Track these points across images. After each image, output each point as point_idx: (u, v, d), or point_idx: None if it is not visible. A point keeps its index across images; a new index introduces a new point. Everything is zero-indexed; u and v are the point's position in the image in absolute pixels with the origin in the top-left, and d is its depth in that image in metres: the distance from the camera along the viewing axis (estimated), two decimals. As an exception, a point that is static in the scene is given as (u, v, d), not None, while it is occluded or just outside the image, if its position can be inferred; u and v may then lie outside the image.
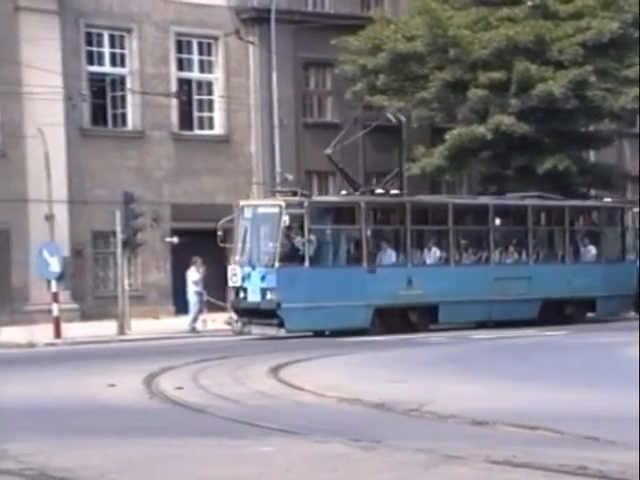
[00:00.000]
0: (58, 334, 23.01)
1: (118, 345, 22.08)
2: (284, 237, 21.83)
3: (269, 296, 21.84)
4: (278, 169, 30.21)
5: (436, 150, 29.98)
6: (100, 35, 29.65)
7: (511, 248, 25.08)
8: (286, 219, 21.59)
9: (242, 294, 22.34)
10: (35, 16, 28.14)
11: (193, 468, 8.05)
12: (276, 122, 30.83)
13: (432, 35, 29.21)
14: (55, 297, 23.56)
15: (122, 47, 29.96)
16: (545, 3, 29.68)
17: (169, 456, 8.61)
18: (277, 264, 21.78)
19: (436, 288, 23.24)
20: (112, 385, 13.71)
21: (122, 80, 29.92)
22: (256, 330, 22.27)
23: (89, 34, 29.42)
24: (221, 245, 23.33)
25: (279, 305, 21.71)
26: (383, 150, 33.75)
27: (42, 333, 22.67)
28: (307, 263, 21.95)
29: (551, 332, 22.39)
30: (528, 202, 25.69)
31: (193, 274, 25.04)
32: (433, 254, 23.95)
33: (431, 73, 29.46)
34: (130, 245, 24.94)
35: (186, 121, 30.86)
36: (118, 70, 29.88)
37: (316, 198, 23.01)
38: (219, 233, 23.23)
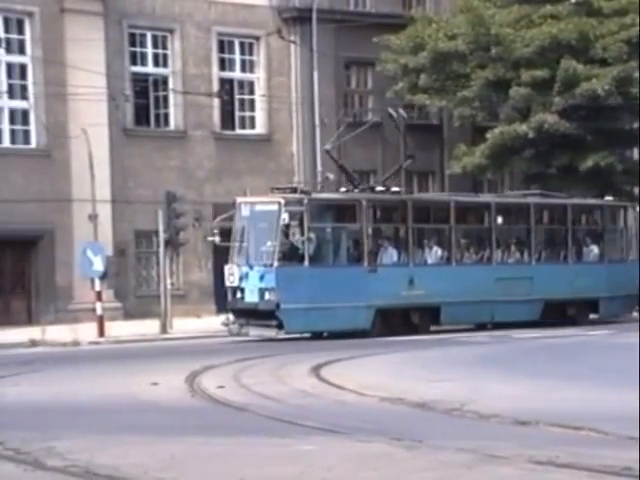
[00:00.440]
0: (102, 333, 23.20)
1: (160, 344, 22.22)
2: (283, 235, 21.25)
3: (268, 296, 21.13)
4: (319, 168, 30.22)
5: (477, 149, 29.87)
6: (143, 36, 29.86)
7: (513, 247, 24.49)
8: (285, 217, 20.94)
9: (239, 294, 21.66)
10: (80, 18, 28.42)
11: (235, 467, 8.08)
12: (317, 121, 30.85)
13: (474, 33, 29.10)
14: (99, 296, 23.76)
15: (165, 47, 30.15)
16: (589, 0, 29.45)
17: (211, 454, 8.65)
18: (276, 263, 21.08)
19: (438, 288, 22.63)
20: (155, 384, 13.80)
21: (164, 80, 30.11)
22: (254, 332, 21.59)
23: (132, 35, 29.64)
24: (218, 244, 22.61)
25: (278, 306, 21.00)
26: (424, 149, 33.69)
27: (86, 332, 22.87)
28: (307, 262, 21.23)
29: (594, 331, 22.21)
30: (530, 200, 25.15)
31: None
32: (434, 253, 23.36)
33: (473, 72, 29.34)
34: (172, 244, 25.08)
35: (228, 121, 31.00)
36: (161, 70, 30.08)
37: (316, 195, 22.20)
38: (215, 231, 22.57)
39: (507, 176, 33.28)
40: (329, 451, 8.60)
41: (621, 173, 30.04)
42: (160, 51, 30.14)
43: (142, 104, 29.85)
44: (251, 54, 31.33)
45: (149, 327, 24.28)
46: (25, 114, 28.22)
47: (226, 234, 22.41)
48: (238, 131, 31.18)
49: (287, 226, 21.15)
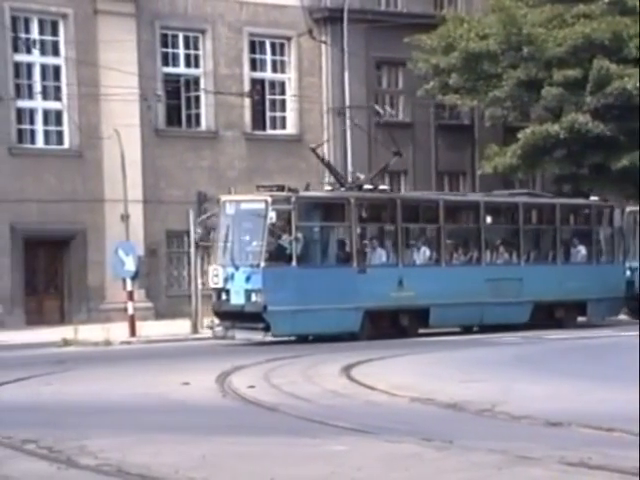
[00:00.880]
0: (133, 332, 23.32)
1: (191, 344, 22.30)
2: (270, 235, 20.51)
3: (254, 298, 20.42)
4: (350, 168, 30.21)
5: (509, 149, 29.75)
6: (175, 36, 30.00)
7: (502, 248, 23.92)
8: (273, 215, 20.24)
9: (224, 296, 20.94)
10: (113, 19, 28.60)
11: (266, 466, 8.10)
12: (348, 121, 30.86)
13: (506, 33, 28.98)
14: (130, 296, 23.88)
15: (196, 48, 30.27)
16: (622, -1, 29.28)
17: (242, 454, 8.68)
18: (263, 264, 20.38)
19: (428, 289, 22.03)
20: (186, 383, 13.85)
21: (196, 81, 30.23)
22: (240, 335, 20.88)
23: (164, 36, 29.78)
24: (200, 244, 21.96)
25: (265, 308, 20.30)
26: (456, 149, 33.60)
27: (117, 331, 22.97)
28: (294, 263, 20.50)
29: (627, 332, 22.05)
30: (519, 199, 24.63)
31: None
32: (423, 253, 22.79)
33: (504, 72, 29.22)
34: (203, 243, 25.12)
35: (259, 121, 31.07)
36: (192, 71, 30.20)
37: (304, 193, 21.29)
38: (197, 231, 21.98)
39: (538, 176, 33.13)
40: (359, 451, 8.61)
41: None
42: (192, 52, 30.26)
43: (174, 104, 29.98)
44: (282, 54, 31.39)
45: (180, 327, 24.37)
46: (58, 115, 28.42)
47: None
48: (269, 131, 31.25)
49: (274, 225, 20.45)
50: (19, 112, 27.90)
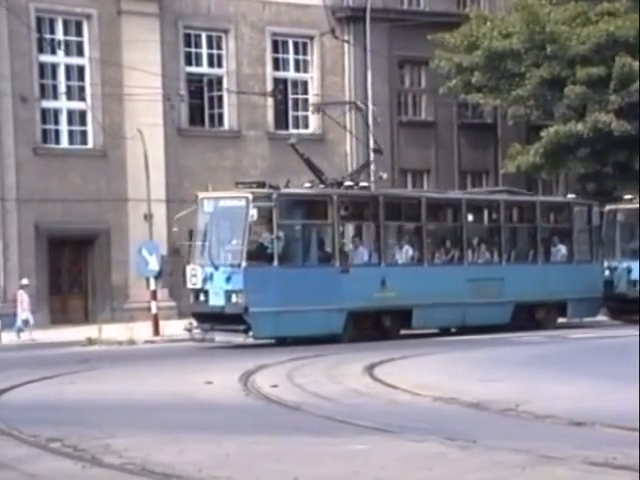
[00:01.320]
0: (157, 331, 23.41)
1: (214, 343, 22.33)
2: (251, 233, 19.88)
3: (235, 299, 19.74)
4: (373, 168, 30.20)
5: (532, 148, 29.65)
6: (198, 36, 30.08)
7: (483, 247, 23.49)
8: (254, 213, 19.51)
9: (202, 297, 20.28)
10: (136, 19, 28.72)
11: (289, 465, 8.12)
12: (371, 120, 30.84)
13: (529, 32, 28.89)
14: (154, 295, 23.97)
15: (219, 48, 30.34)
16: (646, -4, 29.13)
17: (265, 453, 8.71)
18: (244, 263, 19.66)
19: (410, 290, 21.45)
20: (209, 382, 13.90)
21: (219, 80, 30.29)
22: (220, 337, 20.25)
23: (187, 35, 29.87)
24: (177, 243, 21.32)
25: (247, 309, 19.61)
26: (478, 148, 33.52)
27: (141, 330, 23.08)
28: (276, 262, 19.89)
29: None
30: (499, 197, 24.24)
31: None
32: (405, 252, 22.24)
33: (527, 70, 29.13)
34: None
35: (281, 120, 31.09)
36: (215, 70, 30.27)
37: (285, 190, 20.58)
38: (174, 229, 21.47)
39: (562, 175, 33.00)
40: (382, 451, 8.61)
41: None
42: (215, 51, 30.33)
43: (197, 104, 30.06)
44: (305, 54, 31.40)
45: (203, 326, 24.40)
46: (82, 115, 28.56)
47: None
48: (292, 131, 31.24)
49: (255, 223, 19.79)
50: (44, 112, 28.07)
